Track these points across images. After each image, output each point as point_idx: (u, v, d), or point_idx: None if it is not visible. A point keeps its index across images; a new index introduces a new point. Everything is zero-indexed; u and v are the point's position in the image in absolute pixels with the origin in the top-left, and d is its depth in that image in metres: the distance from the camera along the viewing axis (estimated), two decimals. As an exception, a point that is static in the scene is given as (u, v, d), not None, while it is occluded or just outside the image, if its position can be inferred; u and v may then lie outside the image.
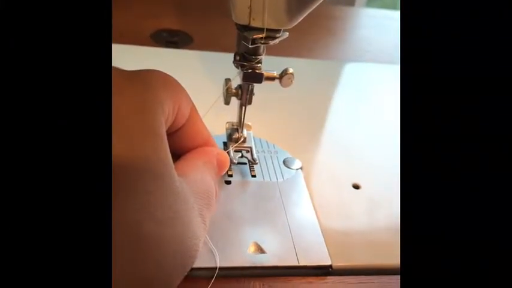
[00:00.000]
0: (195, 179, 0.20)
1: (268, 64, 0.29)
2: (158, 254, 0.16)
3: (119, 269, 0.14)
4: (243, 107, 0.31)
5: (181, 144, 0.22)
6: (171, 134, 0.21)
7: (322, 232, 0.29)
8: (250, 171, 0.33)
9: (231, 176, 0.32)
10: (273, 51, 0.37)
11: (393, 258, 0.28)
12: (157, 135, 0.17)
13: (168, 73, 0.20)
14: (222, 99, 0.30)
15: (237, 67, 0.29)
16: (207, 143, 0.23)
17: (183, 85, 0.22)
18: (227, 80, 0.30)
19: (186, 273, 0.19)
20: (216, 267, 0.25)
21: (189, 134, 0.22)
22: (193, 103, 0.22)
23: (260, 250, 0.27)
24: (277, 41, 0.26)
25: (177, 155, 0.23)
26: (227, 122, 0.34)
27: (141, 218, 0.15)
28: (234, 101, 0.31)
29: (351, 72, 0.53)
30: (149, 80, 0.18)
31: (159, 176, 0.16)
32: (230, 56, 0.29)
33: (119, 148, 0.15)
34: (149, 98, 0.17)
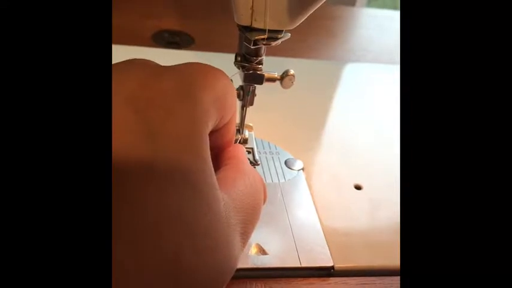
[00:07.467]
0: (241, 192, 0.19)
1: (269, 65, 0.29)
2: (193, 285, 0.15)
3: None
4: (245, 108, 0.31)
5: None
6: None
7: (324, 233, 0.29)
8: (252, 172, 0.33)
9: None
10: (273, 52, 0.37)
11: (395, 259, 0.28)
12: (203, 158, 0.16)
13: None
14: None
15: (238, 68, 0.29)
16: (229, 143, 0.22)
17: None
18: (229, 81, 0.30)
19: None
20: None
21: (221, 135, 0.21)
22: (235, 108, 0.21)
23: (262, 251, 0.27)
24: (279, 41, 0.26)
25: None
26: (228, 123, 0.34)
27: (181, 250, 0.15)
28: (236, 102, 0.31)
29: (352, 73, 0.53)
30: (201, 94, 0.17)
31: (205, 202, 0.16)
32: (231, 57, 0.29)
33: (164, 171, 0.15)
34: (198, 118, 0.17)
